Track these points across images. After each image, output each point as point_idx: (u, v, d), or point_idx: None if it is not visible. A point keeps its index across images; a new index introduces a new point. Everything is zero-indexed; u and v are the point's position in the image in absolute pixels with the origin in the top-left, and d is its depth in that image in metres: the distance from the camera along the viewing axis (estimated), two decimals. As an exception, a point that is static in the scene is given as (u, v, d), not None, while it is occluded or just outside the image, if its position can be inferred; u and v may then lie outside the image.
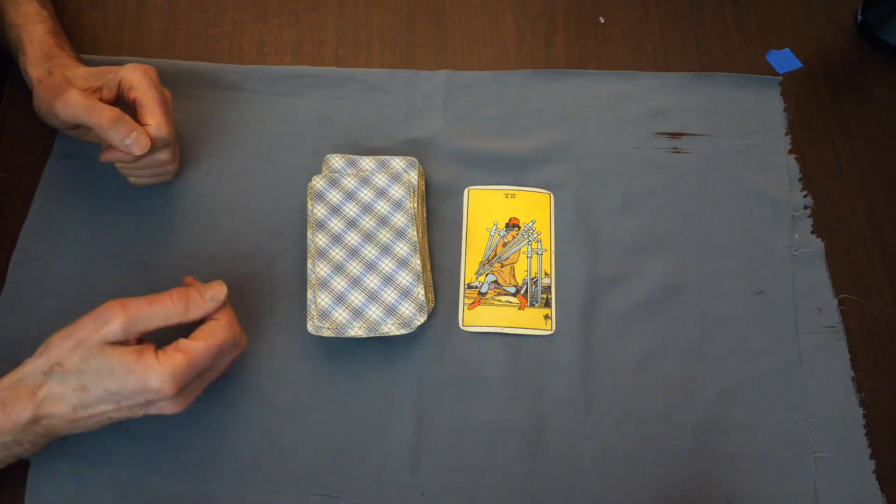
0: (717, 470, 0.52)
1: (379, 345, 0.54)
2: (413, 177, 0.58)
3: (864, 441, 0.52)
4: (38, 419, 0.43)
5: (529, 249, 0.57)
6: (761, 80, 0.65)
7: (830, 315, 0.56)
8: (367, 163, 0.58)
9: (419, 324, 0.53)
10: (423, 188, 0.59)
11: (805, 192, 0.60)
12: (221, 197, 0.60)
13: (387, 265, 0.54)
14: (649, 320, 0.56)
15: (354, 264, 0.54)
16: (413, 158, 0.59)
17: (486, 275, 0.56)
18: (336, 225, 0.56)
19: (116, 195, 0.60)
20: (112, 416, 0.44)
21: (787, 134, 0.63)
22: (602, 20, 0.68)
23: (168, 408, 0.45)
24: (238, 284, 0.56)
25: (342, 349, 0.54)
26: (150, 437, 0.52)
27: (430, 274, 0.56)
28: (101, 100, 0.52)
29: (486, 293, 0.56)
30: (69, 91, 0.50)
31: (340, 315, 0.53)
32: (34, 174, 0.60)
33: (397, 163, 0.58)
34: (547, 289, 0.56)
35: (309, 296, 0.53)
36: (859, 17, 0.67)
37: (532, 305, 0.55)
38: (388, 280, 0.54)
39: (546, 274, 0.56)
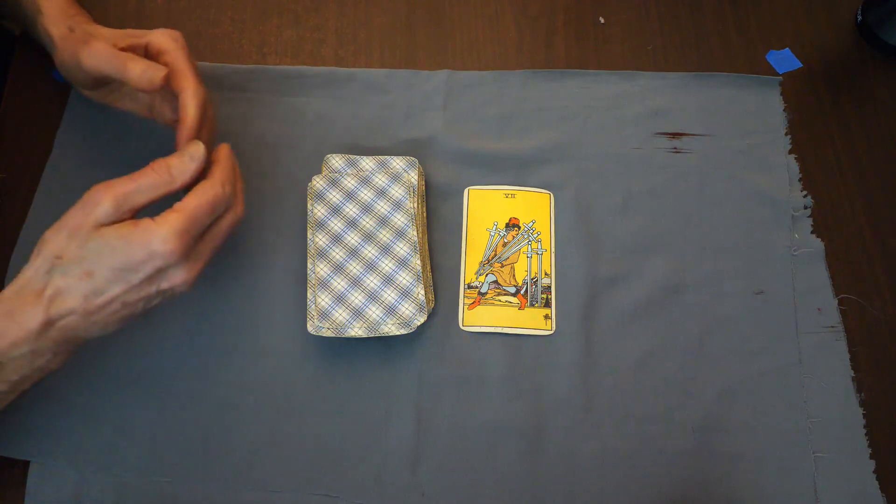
0: (717, 470, 0.52)
1: (379, 345, 0.54)
2: (413, 177, 0.58)
3: (864, 441, 0.52)
4: (51, 321, 0.41)
5: (529, 249, 0.57)
6: (761, 80, 0.65)
7: (830, 315, 0.56)
8: (367, 163, 0.58)
9: (419, 324, 0.53)
10: (423, 188, 0.59)
11: (805, 192, 0.60)
12: (221, 197, 0.60)
13: (387, 265, 0.54)
14: (649, 320, 0.56)
15: (354, 264, 0.54)
16: (413, 158, 0.59)
17: (486, 275, 0.56)
18: (336, 225, 0.56)
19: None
20: (126, 299, 0.43)
21: (787, 134, 0.63)
22: (602, 20, 0.68)
23: (179, 275, 0.43)
24: (238, 284, 0.56)
25: (342, 349, 0.54)
26: (150, 437, 0.52)
27: (430, 274, 0.56)
28: None
29: (486, 293, 0.56)
30: (92, 41, 0.50)
31: (340, 315, 0.53)
32: (34, 174, 0.60)
33: (397, 163, 0.58)
34: (547, 289, 0.56)
35: (309, 296, 0.53)
36: (859, 17, 0.67)
37: (532, 305, 0.55)
38: (388, 280, 0.54)
39: (546, 274, 0.56)
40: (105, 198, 0.42)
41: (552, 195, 0.59)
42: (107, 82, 0.53)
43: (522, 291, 0.56)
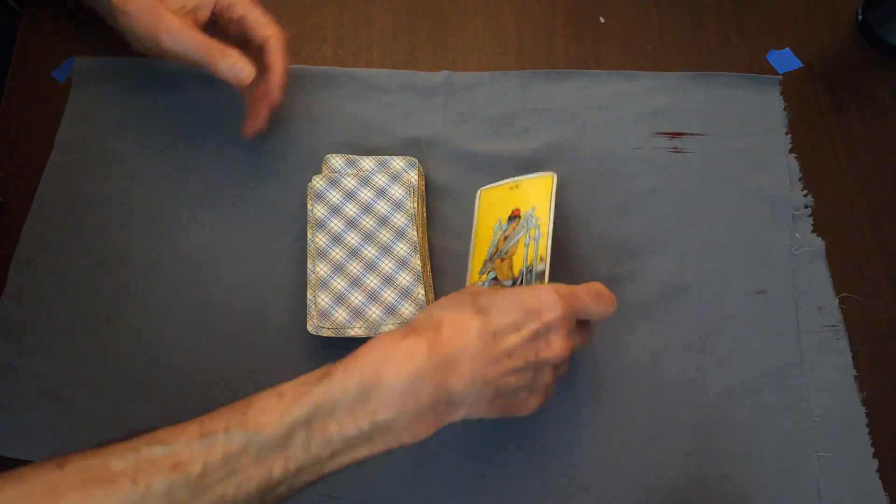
0: (719, 469, 0.51)
1: (379, 344, 0.54)
2: (413, 177, 0.58)
3: (866, 440, 0.52)
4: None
5: (528, 238, 0.53)
6: (761, 79, 0.65)
7: (831, 314, 0.56)
8: (367, 163, 0.58)
9: (419, 323, 0.52)
10: (423, 188, 0.59)
11: (805, 192, 0.60)
12: (221, 196, 0.60)
13: (387, 265, 0.54)
14: (650, 320, 0.56)
15: (354, 264, 0.54)
16: (413, 158, 0.59)
17: (489, 272, 0.54)
18: (336, 225, 0.56)
19: (117, 195, 0.60)
20: (516, 353, 0.41)
21: (787, 133, 0.63)
22: (602, 20, 0.68)
23: (557, 342, 0.42)
24: (238, 284, 0.56)
25: (342, 349, 0.54)
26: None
27: (430, 274, 0.56)
28: (196, 22, 0.51)
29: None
30: (169, 19, 0.49)
31: (340, 315, 0.52)
32: (34, 174, 0.60)
33: (397, 163, 0.58)
34: (541, 274, 0.50)
35: (309, 296, 0.53)
36: (859, 17, 0.67)
37: None
38: (388, 280, 0.54)
39: (541, 259, 0.52)
40: (555, 304, 0.42)
41: (555, 176, 0.54)
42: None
43: (519, 282, 0.52)
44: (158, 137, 0.62)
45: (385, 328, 0.52)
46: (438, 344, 0.39)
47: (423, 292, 0.53)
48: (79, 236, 0.58)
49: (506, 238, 0.54)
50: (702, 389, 0.54)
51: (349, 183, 0.57)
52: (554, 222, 0.52)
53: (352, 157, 0.59)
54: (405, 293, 0.53)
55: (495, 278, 0.53)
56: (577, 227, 0.59)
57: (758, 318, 0.56)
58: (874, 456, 0.52)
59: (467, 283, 0.54)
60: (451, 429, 0.52)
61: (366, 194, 0.57)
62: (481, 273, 0.54)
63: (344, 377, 0.38)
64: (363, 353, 0.39)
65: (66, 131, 0.62)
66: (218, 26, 0.53)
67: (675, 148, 0.62)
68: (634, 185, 0.60)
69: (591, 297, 0.44)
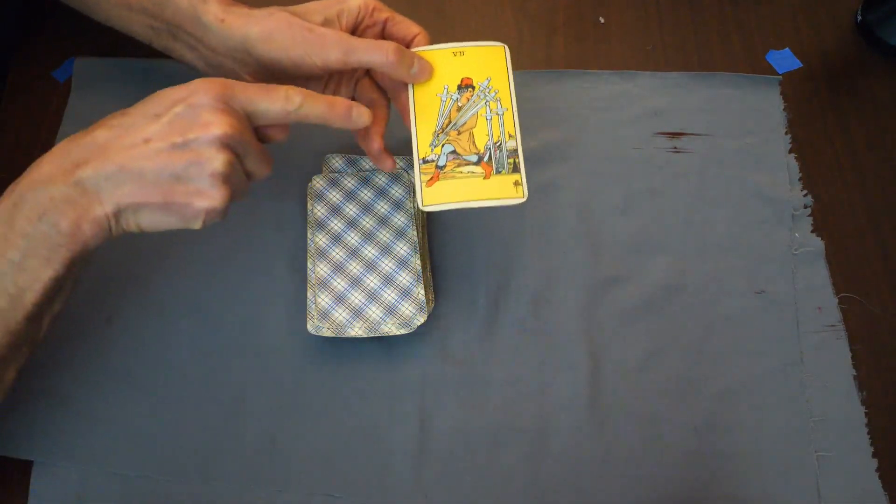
0: (719, 470, 0.51)
1: (379, 345, 0.54)
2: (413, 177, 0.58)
3: (866, 440, 0.52)
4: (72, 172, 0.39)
5: (488, 111, 0.50)
6: (761, 79, 0.65)
7: (831, 314, 0.56)
8: (368, 162, 0.58)
9: (419, 324, 0.52)
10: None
11: (805, 192, 0.60)
12: (221, 197, 0.60)
13: (387, 265, 0.54)
14: (650, 320, 0.56)
15: (354, 264, 0.54)
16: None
17: (442, 145, 0.49)
18: (336, 225, 0.56)
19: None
20: (155, 140, 0.40)
21: (787, 133, 0.63)
22: (602, 20, 0.68)
23: (211, 125, 0.39)
24: (238, 284, 0.56)
25: (342, 349, 0.54)
26: (153, 437, 0.52)
27: (430, 274, 0.56)
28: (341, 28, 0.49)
29: (445, 166, 0.49)
30: (320, 29, 0.46)
31: (340, 315, 0.52)
32: (34, 174, 0.60)
33: (397, 162, 0.58)
34: (514, 152, 0.48)
35: (309, 296, 0.53)
36: (859, 17, 0.67)
37: (499, 172, 0.49)
38: (388, 280, 0.54)
39: (510, 136, 0.49)
40: (205, 88, 0.40)
41: (506, 47, 0.52)
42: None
43: (486, 159, 0.49)
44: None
45: (385, 328, 0.52)
46: (68, 147, 0.40)
47: (423, 292, 0.53)
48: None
49: (459, 109, 0.50)
50: (702, 389, 0.54)
51: (349, 183, 0.57)
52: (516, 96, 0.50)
53: (352, 156, 0.59)
54: (405, 293, 0.53)
55: (454, 151, 0.49)
56: (577, 227, 0.59)
57: (758, 318, 0.56)
58: (874, 456, 0.52)
59: (415, 158, 0.49)
60: (450, 429, 0.52)
61: (366, 194, 0.57)
62: (433, 146, 0.49)
63: None
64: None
65: (66, 131, 0.62)
66: (356, 32, 0.50)
67: (675, 148, 0.62)
68: (634, 185, 0.60)
69: (261, 90, 0.41)
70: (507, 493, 0.51)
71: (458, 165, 0.49)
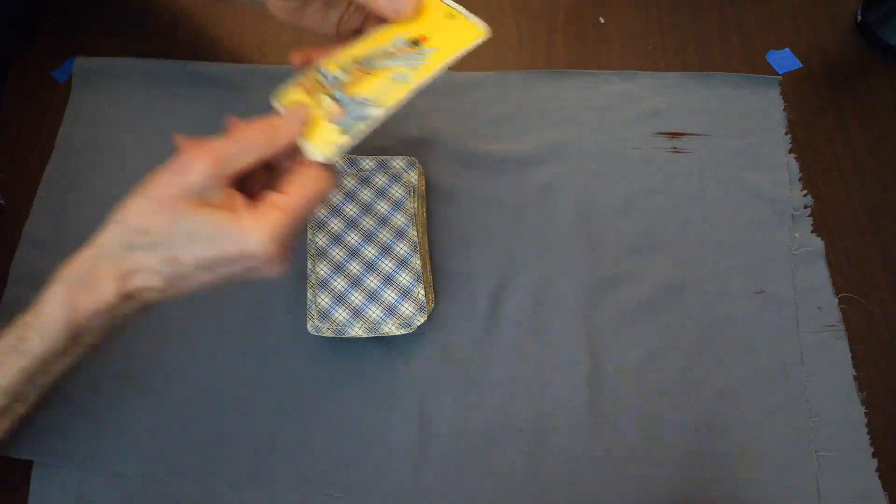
0: (719, 469, 0.51)
1: (379, 345, 0.54)
2: (413, 177, 0.58)
3: (866, 440, 0.52)
4: (129, 296, 0.39)
5: (399, 74, 0.43)
6: (761, 79, 0.65)
7: (831, 313, 0.56)
8: (368, 163, 0.58)
9: (419, 324, 0.52)
10: (423, 188, 0.59)
11: (805, 192, 0.60)
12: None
13: (387, 265, 0.54)
14: (650, 320, 0.56)
15: (354, 264, 0.54)
16: (413, 158, 0.59)
17: (340, 71, 0.44)
18: (336, 225, 0.56)
19: (117, 195, 0.60)
20: (209, 282, 0.39)
21: (787, 133, 0.63)
22: (602, 20, 0.68)
23: (270, 272, 0.39)
24: (237, 285, 0.56)
25: (343, 349, 0.54)
26: (153, 437, 0.52)
27: (430, 274, 0.56)
28: None
29: (323, 86, 0.44)
30: None
31: (340, 315, 0.52)
32: (34, 174, 0.60)
33: (397, 163, 0.58)
34: (366, 118, 0.42)
35: (309, 296, 0.53)
36: (859, 17, 0.67)
37: (339, 125, 0.42)
38: (388, 280, 0.54)
39: (382, 104, 0.42)
40: (200, 163, 0.37)
41: (485, 34, 0.46)
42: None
43: (346, 105, 0.42)
44: (158, 137, 0.62)
45: (385, 328, 0.52)
46: (129, 285, 0.39)
47: (423, 292, 0.53)
48: (79, 236, 0.58)
49: (390, 55, 0.45)
50: (702, 389, 0.54)
51: (349, 183, 0.57)
52: (434, 79, 0.44)
53: (352, 156, 0.59)
54: (405, 293, 0.53)
55: (337, 82, 0.44)
56: (576, 228, 0.59)
57: (758, 318, 0.56)
58: (874, 455, 0.52)
59: (321, 64, 0.45)
60: (450, 429, 0.52)
61: (366, 194, 0.57)
62: (339, 67, 0.45)
63: (41, 335, 0.40)
64: (51, 298, 0.40)
65: (66, 131, 0.62)
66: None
67: (675, 148, 0.62)
68: (634, 185, 0.60)
69: (311, 208, 0.40)
70: (507, 492, 0.51)
71: (326, 94, 0.43)
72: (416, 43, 0.45)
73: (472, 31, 0.46)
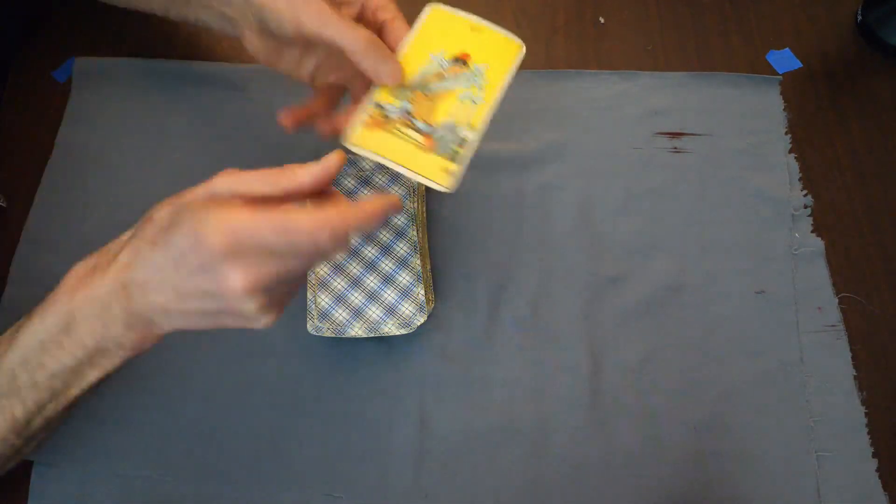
0: (719, 470, 0.51)
1: (379, 345, 0.54)
2: (413, 177, 0.58)
3: (866, 440, 0.52)
4: (123, 285, 0.38)
5: (467, 94, 0.46)
6: (761, 79, 0.65)
7: (831, 314, 0.56)
8: (368, 163, 0.58)
9: (419, 324, 0.52)
10: (423, 188, 0.59)
11: (805, 192, 0.60)
12: (221, 197, 0.60)
13: (387, 265, 0.54)
14: (650, 320, 0.56)
15: (354, 264, 0.54)
16: (413, 158, 0.59)
17: (403, 101, 0.46)
18: (336, 225, 0.56)
19: (117, 195, 0.60)
20: (202, 313, 0.38)
21: (787, 133, 0.63)
22: (602, 20, 0.68)
23: (256, 324, 0.38)
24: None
25: (343, 349, 0.54)
26: (153, 437, 0.52)
27: (430, 274, 0.56)
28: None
29: (394, 119, 0.46)
30: (315, 1, 0.44)
31: (340, 315, 0.52)
32: (34, 174, 0.60)
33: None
34: (463, 142, 0.44)
35: (309, 296, 0.53)
36: (859, 17, 0.67)
37: (439, 153, 0.45)
38: (388, 280, 0.54)
39: (472, 127, 0.45)
40: (225, 175, 0.38)
41: (523, 48, 0.48)
42: (310, 48, 0.48)
43: (435, 134, 0.45)
44: (158, 137, 0.62)
45: (385, 328, 0.52)
46: (118, 270, 0.38)
47: (423, 292, 0.53)
48: (79, 236, 0.58)
49: (442, 76, 0.47)
50: (702, 389, 0.54)
51: (349, 183, 0.57)
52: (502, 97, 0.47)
53: (352, 157, 0.59)
54: (405, 293, 0.53)
55: (409, 112, 0.46)
56: (576, 227, 0.59)
57: (758, 318, 0.56)
58: (874, 456, 0.52)
59: (371, 94, 0.46)
60: (450, 429, 0.52)
61: (366, 194, 0.57)
62: (395, 95, 0.46)
63: (42, 314, 0.39)
64: (59, 287, 0.40)
65: (66, 131, 0.62)
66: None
67: (675, 148, 0.62)
68: (634, 185, 0.60)
69: (279, 232, 0.37)
70: (507, 492, 0.51)
71: (405, 126, 0.45)
72: (461, 61, 0.47)
73: (509, 45, 0.48)
